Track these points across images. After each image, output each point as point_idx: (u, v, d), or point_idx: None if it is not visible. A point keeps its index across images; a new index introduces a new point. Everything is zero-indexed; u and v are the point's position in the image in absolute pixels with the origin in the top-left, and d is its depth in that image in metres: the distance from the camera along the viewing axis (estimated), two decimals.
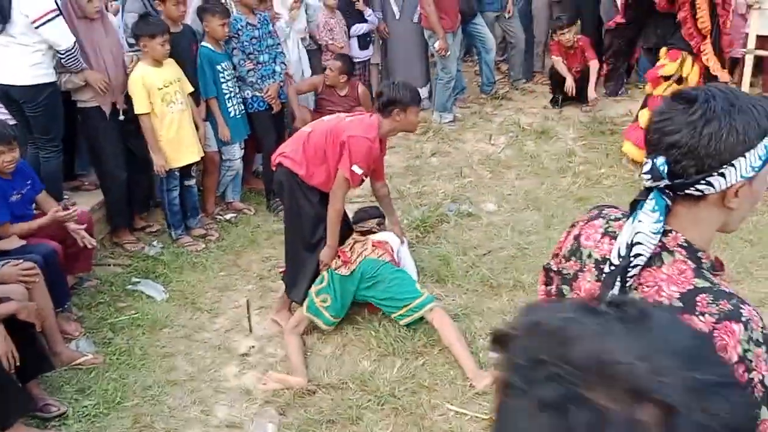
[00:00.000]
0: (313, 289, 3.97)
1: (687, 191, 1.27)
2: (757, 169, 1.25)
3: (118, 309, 4.31)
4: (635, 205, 1.31)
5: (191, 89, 4.90)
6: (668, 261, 1.29)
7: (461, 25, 7.30)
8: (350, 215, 4.33)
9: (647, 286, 1.29)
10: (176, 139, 4.80)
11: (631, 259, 1.28)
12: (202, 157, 5.04)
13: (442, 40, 6.93)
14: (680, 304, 1.24)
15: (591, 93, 6.86)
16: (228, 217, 5.46)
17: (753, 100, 1.27)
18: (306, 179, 3.93)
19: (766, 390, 1.20)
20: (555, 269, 1.52)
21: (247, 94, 5.27)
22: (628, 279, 1.28)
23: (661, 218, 1.27)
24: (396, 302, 3.87)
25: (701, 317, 1.22)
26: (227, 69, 5.11)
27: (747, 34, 6.75)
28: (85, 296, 4.41)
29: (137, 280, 4.58)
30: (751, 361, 1.19)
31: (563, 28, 7.01)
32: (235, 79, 5.18)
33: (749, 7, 6.77)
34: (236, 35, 5.12)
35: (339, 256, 3.95)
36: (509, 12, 7.58)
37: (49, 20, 4.22)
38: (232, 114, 5.18)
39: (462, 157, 6.32)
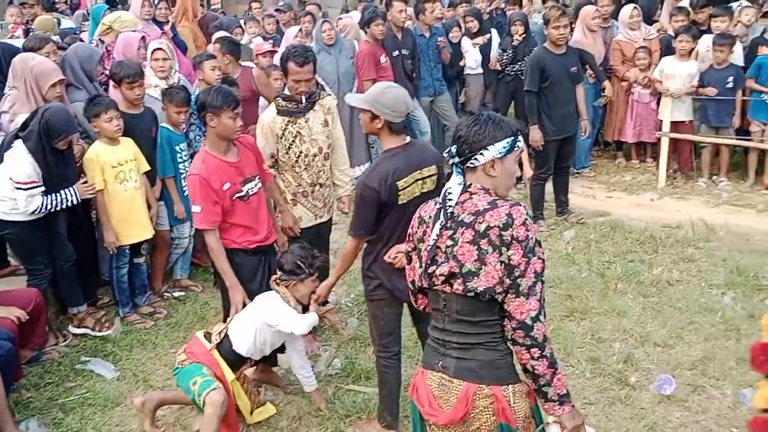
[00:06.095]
0: None
1: (467, 165, 2.32)
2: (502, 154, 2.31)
3: (67, 389, 4.23)
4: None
5: (147, 168, 4.96)
6: (475, 197, 2.30)
7: None
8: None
9: (466, 207, 2.28)
10: (128, 217, 4.83)
11: (448, 199, 2.31)
12: (153, 235, 5.06)
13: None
14: (488, 206, 2.25)
15: (527, 171, 7.26)
16: (176, 294, 5.45)
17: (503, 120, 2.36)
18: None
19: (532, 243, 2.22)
20: (410, 248, 2.47)
21: None
22: (448, 208, 2.30)
23: (461, 178, 2.33)
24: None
25: (503, 207, 2.24)
26: (184, 150, 5.21)
27: (660, 120, 7.44)
28: (33, 376, 4.30)
29: (87, 358, 4.51)
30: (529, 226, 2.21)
31: None
32: (190, 159, 5.27)
33: (656, 95, 7.54)
34: (194, 111, 5.18)
35: None
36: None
37: (28, 188, 4.28)
38: (186, 192, 5.23)
39: None
